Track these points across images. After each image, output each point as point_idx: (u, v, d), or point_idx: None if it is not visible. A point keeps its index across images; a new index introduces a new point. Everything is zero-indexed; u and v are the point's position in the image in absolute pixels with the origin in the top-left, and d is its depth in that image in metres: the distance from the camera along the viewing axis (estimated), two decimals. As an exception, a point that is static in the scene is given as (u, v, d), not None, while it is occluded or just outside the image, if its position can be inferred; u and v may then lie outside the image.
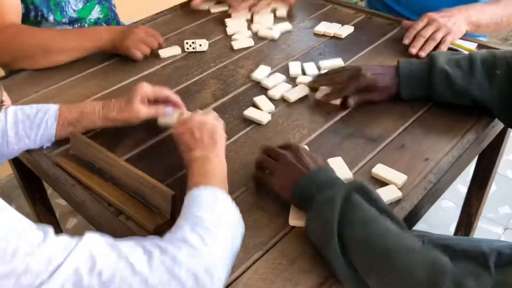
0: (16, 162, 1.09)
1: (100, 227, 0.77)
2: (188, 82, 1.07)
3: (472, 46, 1.11)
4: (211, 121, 0.78)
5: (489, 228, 1.71)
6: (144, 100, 0.87)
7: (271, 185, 0.75)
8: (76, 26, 1.29)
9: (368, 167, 0.81)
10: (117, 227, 0.74)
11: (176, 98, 0.90)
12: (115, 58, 1.15)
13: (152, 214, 0.74)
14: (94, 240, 0.54)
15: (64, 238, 0.53)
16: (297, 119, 0.94)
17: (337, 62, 1.09)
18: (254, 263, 0.68)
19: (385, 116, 0.93)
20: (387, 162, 0.81)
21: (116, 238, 0.57)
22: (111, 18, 1.39)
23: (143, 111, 0.86)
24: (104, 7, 1.35)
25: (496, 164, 1.24)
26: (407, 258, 0.58)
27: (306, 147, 0.84)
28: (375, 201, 0.66)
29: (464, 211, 1.41)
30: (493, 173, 1.26)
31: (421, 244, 0.60)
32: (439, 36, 1.08)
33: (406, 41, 1.11)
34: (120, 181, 0.79)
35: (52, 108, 0.85)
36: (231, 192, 0.77)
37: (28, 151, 0.86)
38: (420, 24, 1.11)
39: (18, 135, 0.81)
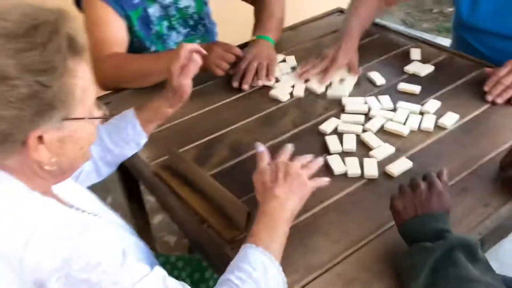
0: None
1: (185, 231, 0.91)
2: (272, 108, 1.19)
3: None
4: (296, 169, 0.82)
5: None
6: (185, 74, 0.93)
7: (393, 203, 0.81)
8: None
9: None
10: (200, 233, 0.88)
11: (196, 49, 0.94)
12: (209, 81, 1.29)
13: (230, 225, 0.87)
14: (163, 272, 0.66)
15: (140, 266, 0.64)
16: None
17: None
18: (313, 280, 0.78)
19: (451, 159, 0.98)
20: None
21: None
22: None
23: (189, 85, 0.94)
24: (205, 40, 1.51)
25: None
26: None
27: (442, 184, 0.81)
28: (479, 261, 0.69)
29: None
30: None
31: None
32: None
33: (486, 88, 1.14)
34: (206, 193, 0.92)
35: (129, 112, 0.98)
36: (299, 215, 0.87)
37: (132, 160, 1.03)
38: (503, 71, 1.12)
39: (113, 142, 0.96)
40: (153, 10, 1.35)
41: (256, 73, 1.27)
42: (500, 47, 1.31)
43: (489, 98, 1.13)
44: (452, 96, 1.18)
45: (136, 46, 1.38)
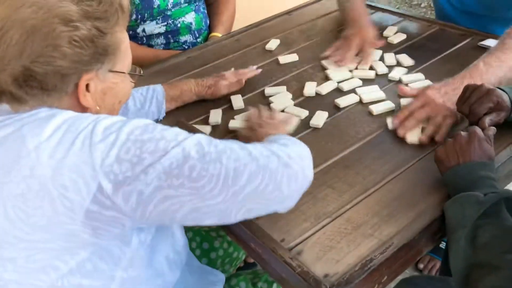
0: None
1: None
2: (275, 82, 1.23)
3: None
4: (264, 119, 0.95)
5: None
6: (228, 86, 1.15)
7: (436, 154, 0.86)
8: (169, 21, 1.52)
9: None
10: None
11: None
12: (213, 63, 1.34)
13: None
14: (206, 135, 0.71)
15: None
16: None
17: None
18: (323, 227, 0.81)
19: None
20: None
21: None
22: (203, 28, 1.61)
23: (223, 93, 1.15)
24: (198, 17, 1.57)
25: None
26: None
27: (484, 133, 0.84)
28: None
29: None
30: None
31: None
32: (438, 120, 0.97)
33: (396, 122, 1.00)
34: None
35: (158, 87, 1.08)
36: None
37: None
38: (415, 104, 1.00)
39: (136, 106, 1.04)
40: None
41: None
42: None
43: (401, 132, 0.98)
44: (444, 62, 1.22)
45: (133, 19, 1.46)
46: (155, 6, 1.46)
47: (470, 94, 0.93)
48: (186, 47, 1.57)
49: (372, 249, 0.75)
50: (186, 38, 1.57)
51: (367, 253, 0.75)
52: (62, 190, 0.61)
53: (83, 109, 0.71)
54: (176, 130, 0.68)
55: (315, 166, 0.91)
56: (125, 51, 0.75)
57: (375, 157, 0.94)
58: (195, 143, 0.66)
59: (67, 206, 0.61)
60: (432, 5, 3.65)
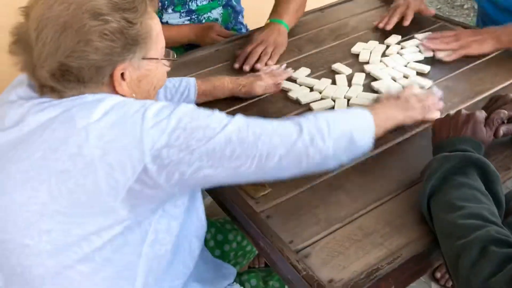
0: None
1: (221, 191, 0.94)
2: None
3: None
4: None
5: None
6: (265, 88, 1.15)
7: (435, 121, 0.91)
8: (193, 16, 1.52)
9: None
10: (231, 194, 0.90)
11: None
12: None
13: (257, 187, 0.89)
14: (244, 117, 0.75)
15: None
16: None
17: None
18: (333, 231, 0.81)
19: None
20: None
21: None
22: (230, 24, 1.60)
23: (258, 93, 1.14)
24: (226, 12, 1.56)
25: None
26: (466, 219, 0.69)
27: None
28: (490, 183, 0.75)
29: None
30: None
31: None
32: (453, 45, 1.23)
33: (430, 38, 1.28)
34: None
35: (192, 81, 1.09)
36: (322, 175, 0.91)
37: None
38: (448, 33, 1.28)
39: (166, 98, 1.06)
40: None
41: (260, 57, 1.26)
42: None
43: (428, 45, 1.25)
44: (476, 71, 1.19)
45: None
46: None
47: (494, 102, 0.94)
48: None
49: (380, 258, 0.75)
50: None
51: (374, 262, 0.75)
52: (109, 169, 0.65)
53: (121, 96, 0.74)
54: (218, 115, 0.73)
55: (332, 170, 0.92)
56: (157, 37, 0.77)
57: (395, 166, 0.93)
58: (235, 128, 0.72)
59: (112, 185, 0.66)
60: (475, 7, 3.56)
